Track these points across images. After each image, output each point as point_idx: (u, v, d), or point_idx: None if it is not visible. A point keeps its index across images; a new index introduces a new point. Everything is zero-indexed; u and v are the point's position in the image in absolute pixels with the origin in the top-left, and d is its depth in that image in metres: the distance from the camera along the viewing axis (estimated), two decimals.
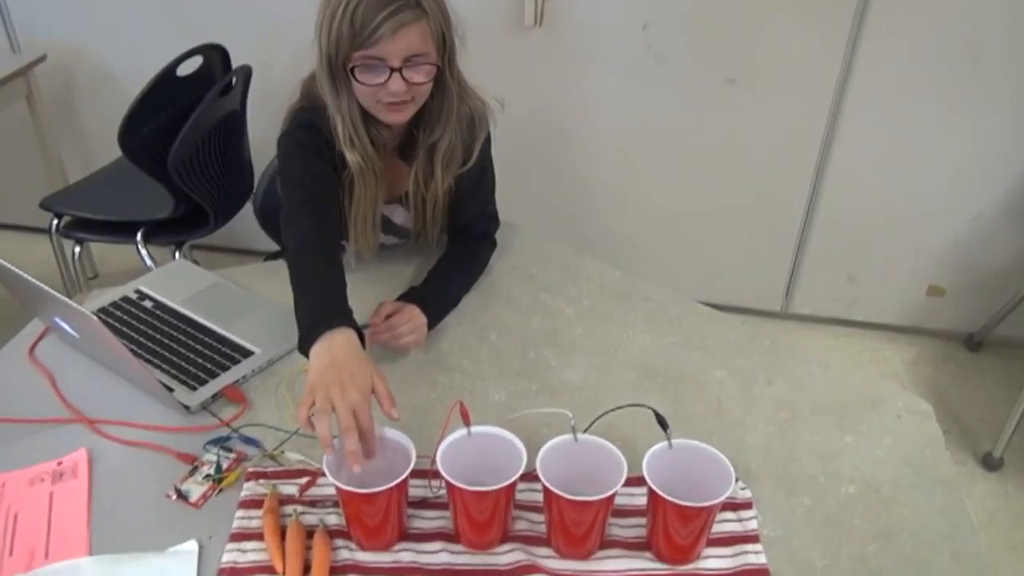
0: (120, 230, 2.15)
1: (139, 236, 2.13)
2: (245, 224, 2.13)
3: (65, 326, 1.19)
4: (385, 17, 1.12)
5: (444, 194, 1.37)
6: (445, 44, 1.22)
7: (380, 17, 1.12)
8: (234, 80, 2.08)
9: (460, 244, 1.45)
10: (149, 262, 2.13)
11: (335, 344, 1.04)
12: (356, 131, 1.25)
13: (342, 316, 1.08)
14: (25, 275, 1.04)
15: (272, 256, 1.68)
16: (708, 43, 2.23)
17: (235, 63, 2.17)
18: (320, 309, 1.10)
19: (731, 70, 2.25)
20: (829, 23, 2.14)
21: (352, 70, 1.17)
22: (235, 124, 2.17)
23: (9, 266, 1.05)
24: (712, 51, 2.24)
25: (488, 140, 1.38)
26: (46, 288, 1.04)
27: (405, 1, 1.13)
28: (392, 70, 1.17)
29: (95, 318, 1.02)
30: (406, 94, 1.20)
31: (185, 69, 2.05)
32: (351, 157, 1.26)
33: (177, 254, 2.16)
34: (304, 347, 1.07)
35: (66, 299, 1.04)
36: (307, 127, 1.28)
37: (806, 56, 2.19)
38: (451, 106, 1.28)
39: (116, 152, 1.99)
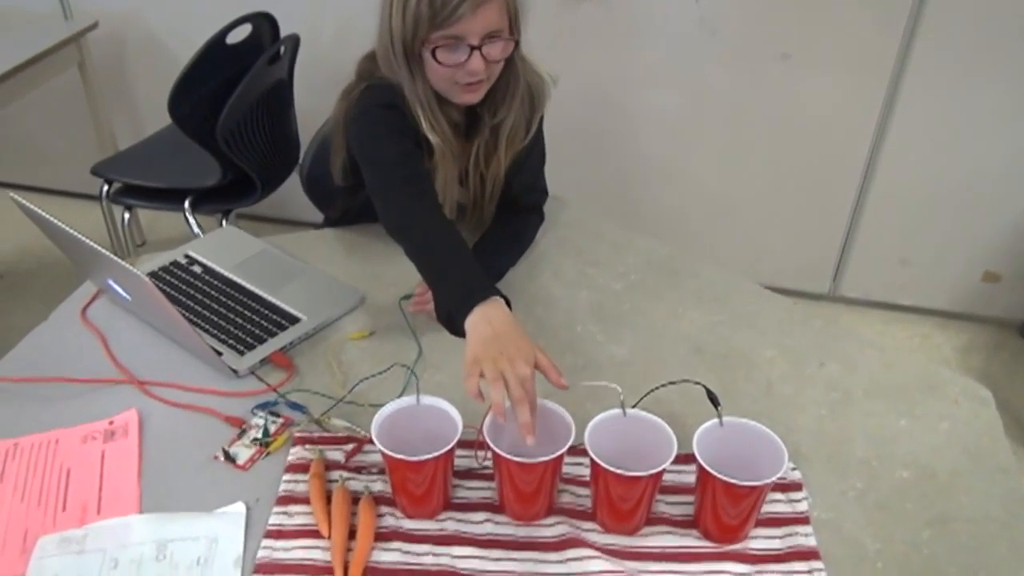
0: (168, 197, 2.18)
1: (187, 203, 2.15)
2: (290, 194, 2.14)
3: (117, 288, 1.20)
4: None
5: (504, 172, 1.35)
6: (517, 18, 1.20)
7: None
8: (282, 49, 2.08)
9: (508, 217, 1.43)
10: (196, 229, 2.15)
11: (493, 317, 1.01)
12: (434, 113, 1.23)
13: (490, 288, 1.05)
14: (81, 237, 1.05)
15: (320, 226, 1.68)
16: (762, 16, 2.18)
17: (283, 32, 2.17)
18: (467, 282, 1.07)
19: (786, 44, 2.20)
20: None
21: (434, 51, 1.16)
22: (282, 93, 2.18)
23: (66, 228, 1.06)
24: (766, 24, 2.19)
25: (541, 117, 1.36)
26: (101, 249, 1.05)
27: None
28: (472, 48, 1.15)
29: (147, 280, 1.03)
30: (484, 72, 1.18)
31: (234, 37, 2.06)
32: (433, 139, 1.24)
33: (224, 222, 2.18)
34: (456, 321, 1.04)
35: (121, 261, 1.05)
36: (388, 107, 1.24)
37: (864, 31, 2.13)
38: (516, 83, 1.27)
39: (166, 119, 2.01)
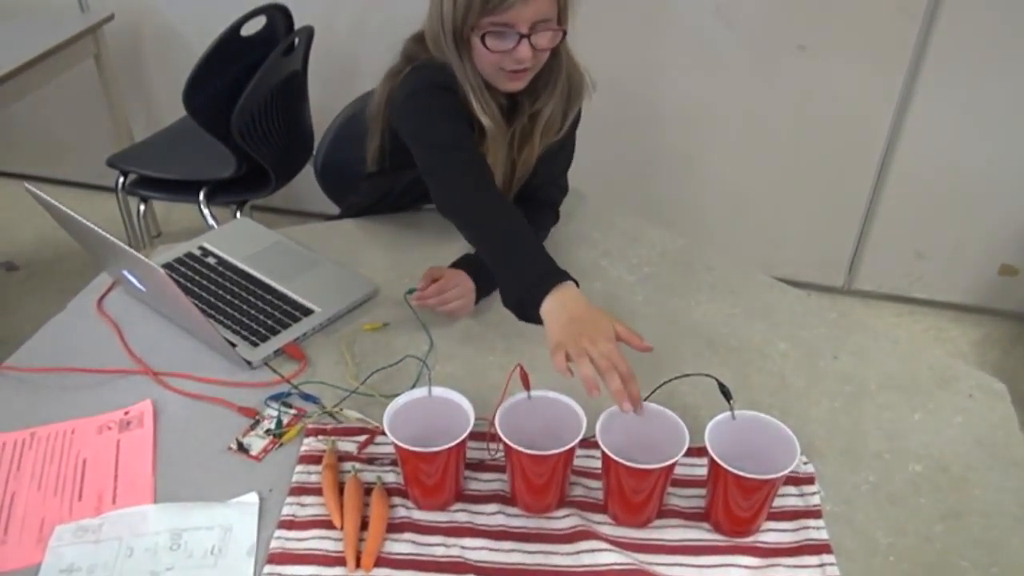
0: (183, 189, 2.19)
1: (202, 195, 2.16)
2: (304, 186, 2.15)
3: (132, 279, 1.21)
4: None
5: (535, 161, 1.35)
6: (566, 9, 1.20)
7: None
8: (296, 41, 2.08)
9: (525, 209, 1.43)
10: (211, 221, 2.16)
11: (567, 300, 1.01)
12: (484, 96, 1.23)
13: (559, 272, 1.05)
14: (96, 228, 1.06)
15: (333, 218, 1.69)
16: (778, 7, 2.16)
17: (297, 24, 2.17)
18: (537, 267, 1.06)
19: (802, 35, 2.18)
20: None
21: (483, 37, 1.16)
22: (297, 85, 2.18)
23: (81, 219, 1.07)
24: (783, 15, 2.17)
25: (579, 113, 1.36)
26: (115, 241, 1.06)
27: None
28: (521, 36, 1.16)
29: (162, 271, 1.04)
30: (530, 60, 1.19)
31: (249, 29, 2.07)
32: (485, 121, 1.24)
33: (238, 214, 2.19)
34: (528, 308, 1.03)
35: (134, 252, 1.05)
36: (441, 88, 1.24)
37: (881, 23, 2.11)
38: (559, 74, 1.27)
39: (181, 111, 2.02)
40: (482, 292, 1.28)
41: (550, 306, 1.01)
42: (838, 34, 2.16)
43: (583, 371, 0.92)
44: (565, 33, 1.21)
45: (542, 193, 1.43)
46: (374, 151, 1.38)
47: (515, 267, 1.08)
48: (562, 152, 1.40)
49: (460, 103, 1.24)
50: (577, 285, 1.04)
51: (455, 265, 1.30)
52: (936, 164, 2.29)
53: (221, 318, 1.24)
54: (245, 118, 1.97)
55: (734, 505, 0.92)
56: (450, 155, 1.20)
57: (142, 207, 2.36)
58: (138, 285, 1.22)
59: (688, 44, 2.27)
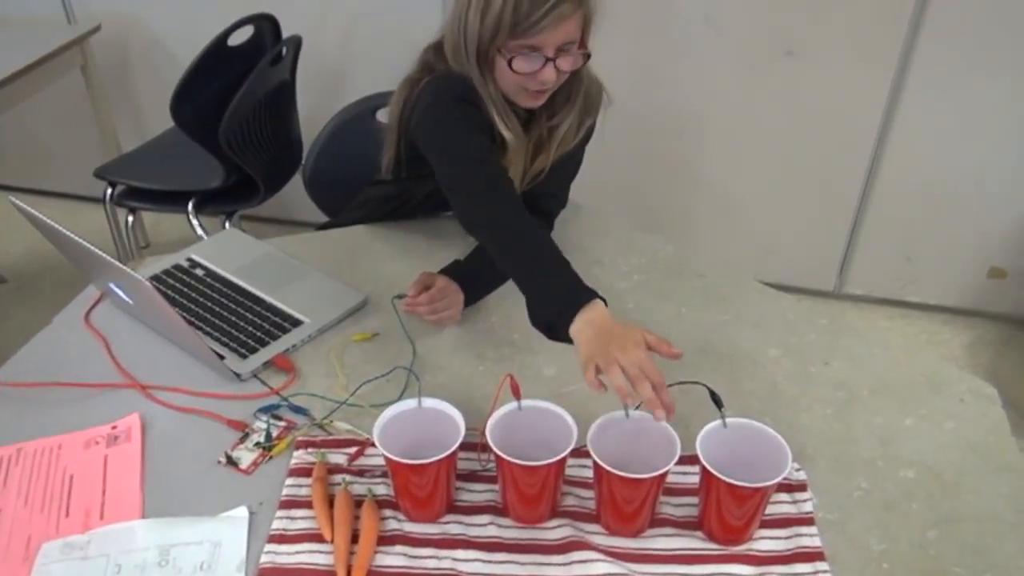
0: (172, 199, 2.18)
1: (190, 205, 2.15)
2: (293, 195, 2.14)
3: (119, 292, 1.20)
4: (550, 8, 1.12)
5: (546, 171, 1.35)
6: (588, 31, 1.21)
7: (545, 8, 1.11)
8: (284, 50, 2.08)
9: None
10: (200, 231, 2.15)
11: (595, 318, 1.00)
12: (505, 111, 1.23)
13: (586, 291, 1.04)
14: (82, 241, 1.05)
15: (322, 227, 1.68)
16: (767, 13, 2.17)
17: (285, 33, 2.17)
18: (565, 289, 1.05)
19: (790, 42, 2.19)
20: None
21: (510, 60, 1.16)
22: (285, 95, 2.18)
23: (67, 232, 1.06)
24: (771, 21, 2.18)
25: (592, 127, 1.36)
26: (102, 254, 1.05)
27: None
28: (547, 59, 1.16)
29: (149, 284, 1.03)
30: (553, 82, 1.19)
31: (236, 39, 2.06)
32: (507, 135, 1.24)
33: (227, 224, 2.18)
34: (557, 330, 1.03)
35: (121, 265, 1.04)
36: (463, 101, 1.23)
37: (869, 25, 2.12)
38: (579, 91, 1.28)
39: (169, 121, 2.01)
40: (469, 301, 1.27)
41: (577, 327, 1.00)
42: (826, 40, 2.17)
43: (615, 381, 0.91)
44: (588, 56, 1.22)
45: (542, 203, 1.42)
46: (389, 160, 1.38)
47: (543, 288, 1.07)
48: (569, 163, 1.40)
49: (482, 116, 1.23)
50: (605, 303, 1.04)
51: (444, 272, 1.29)
52: (925, 168, 2.30)
53: (209, 330, 1.23)
54: (233, 128, 1.96)
55: (727, 513, 0.91)
56: (475, 170, 1.18)
57: (130, 218, 2.35)
58: (125, 298, 1.21)
59: (678, 51, 2.27)
